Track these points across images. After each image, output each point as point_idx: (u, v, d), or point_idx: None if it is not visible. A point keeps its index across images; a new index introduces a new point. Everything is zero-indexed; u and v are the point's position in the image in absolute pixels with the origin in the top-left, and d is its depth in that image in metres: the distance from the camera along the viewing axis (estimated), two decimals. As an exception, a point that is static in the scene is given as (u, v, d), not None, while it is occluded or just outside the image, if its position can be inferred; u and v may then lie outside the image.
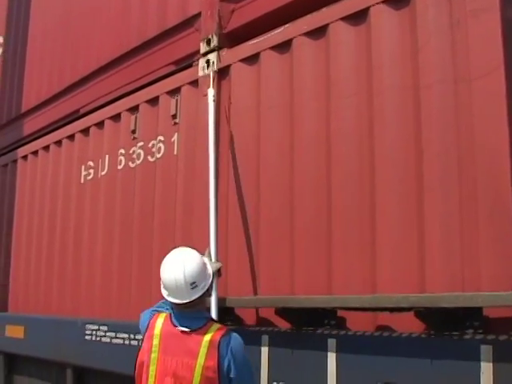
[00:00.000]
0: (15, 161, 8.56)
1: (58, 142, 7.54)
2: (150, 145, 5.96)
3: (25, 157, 8.31)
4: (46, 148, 7.79)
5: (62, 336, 6.51)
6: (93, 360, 6.04)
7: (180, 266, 3.46)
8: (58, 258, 7.13)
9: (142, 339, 3.59)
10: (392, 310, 3.64)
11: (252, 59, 5.02)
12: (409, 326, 3.59)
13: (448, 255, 3.57)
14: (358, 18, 4.29)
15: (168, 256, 3.62)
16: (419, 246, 3.72)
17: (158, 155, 5.84)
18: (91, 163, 6.82)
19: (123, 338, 5.59)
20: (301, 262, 4.37)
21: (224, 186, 5.06)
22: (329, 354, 3.85)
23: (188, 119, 5.55)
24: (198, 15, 5.68)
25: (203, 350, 3.35)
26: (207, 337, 3.39)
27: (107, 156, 6.56)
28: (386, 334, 3.65)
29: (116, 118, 6.53)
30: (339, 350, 3.81)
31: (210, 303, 4.40)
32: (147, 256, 5.71)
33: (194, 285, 3.44)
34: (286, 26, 4.76)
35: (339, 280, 4.11)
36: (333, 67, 4.39)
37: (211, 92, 5.14)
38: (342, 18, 4.36)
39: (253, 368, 3.70)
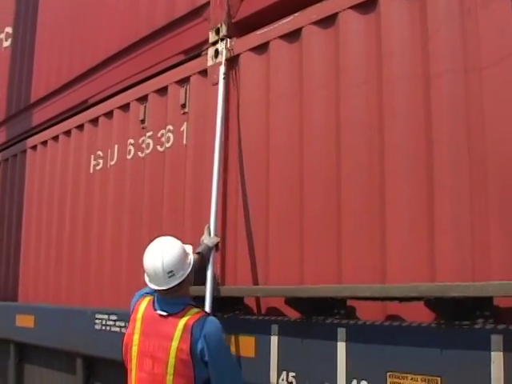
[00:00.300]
0: (24, 151, 8.57)
1: (67, 132, 7.55)
2: (159, 134, 5.96)
3: (34, 147, 8.33)
4: (55, 138, 7.80)
5: (72, 325, 6.54)
6: (102, 349, 6.06)
7: (159, 255, 3.74)
8: (68, 248, 7.15)
9: (129, 321, 3.85)
10: (402, 299, 3.64)
11: (261, 48, 5.01)
12: (418, 315, 3.58)
13: (458, 244, 3.56)
14: (368, 6, 4.26)
15: (150, 244, 3.90)
16: (429, 236, 3.71)
17: (167, 145, 5.84)
18: (100, 153, 6.83)
19: (133, 328, 5.60)
20: (310, 251, 4.37)
21: (233, 175, 5.06)
22: (338, 343, 3.84)
23: (197, 109, 5.55)
24: (207, 4, 5.66)
25: (178, 333, 3.59)
26: (182, 321, 3.64)
27: (116, 146, 6.56)
28: (395, 323, 3.64)
29: (125, 107, 6.53)
30: (349, 340, 3.80)
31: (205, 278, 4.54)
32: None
33: (171, 273, 3.70)
34: (296, 14, 4.74)
35: (349, 269, 4.11)
36: (342, 56, 4.37)
37: (222, 70, 5.17)
38: (352, 7, 4.34)
39: (232, 355, 3.98)
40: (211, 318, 3.80)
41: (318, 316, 4.05)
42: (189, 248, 4.04)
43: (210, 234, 4.66)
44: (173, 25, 6.16)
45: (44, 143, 8.07)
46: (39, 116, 8.62)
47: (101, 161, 6.80)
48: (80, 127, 7.31)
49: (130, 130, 6.41)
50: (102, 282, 6.44)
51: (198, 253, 4.48)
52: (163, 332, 3.64)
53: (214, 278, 4.71)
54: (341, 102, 4.32)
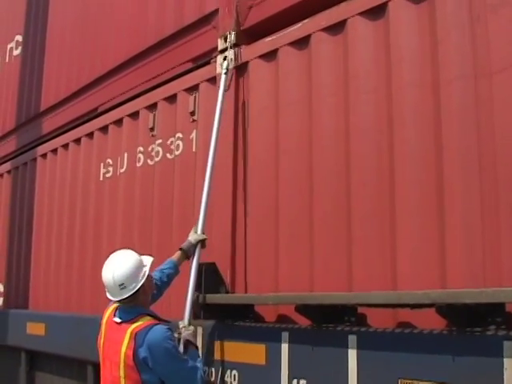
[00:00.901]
0: (35, 159, 8.61)
1: (77, 140, 7.58)
2: (168, 142, 5.97)
3: (44, 155, 8.36)
4: (65, 146, 7.83)
5: (83, 333, 6.53)
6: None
7: (111, 269, 3.96)
8: (78, 256, 7.17)
9: None
10: (413, 306, 3.62)
11: (270, 55, 5.01)
12: (430, 322, 3.56)
13: (469, 250, 3.55)
14: (377, 12, 4.26)
15: (108, 257, 4.10)
16: (440, 242, 3.70)
17: (177, 152, 5.85)
18: (110, 161, 6.84)
19: (143, 335, 5.60)
20: (320, 257, 4.36)
21: (242, 182, 5.06)
22: (349, 350, 3.82)
23: (206, 116, 5.54)
24: (216, 12, 5.68)
25: (126, 340, 3.80)
26: (131, 328, 3.84)
27: (126, 154, 6.58)
28: (406, 330, 3.62)
29: (134, 115, 6.54)
30: (360, 347, 3.79)
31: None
32: (166, 253, 5.71)
33: (122, 285, 3.89)
34: (304, 21, 4.74)
35: (359, 276, 4.10)
36: (351, 62, 4.37)
37: (225, 64, 5.24)
38: (361, 13, 4.34)
39: (185, 360, 3.97)
40: (158, 326, 3.92)
41: (328, 323, 4.04)
42: (148, 260, 4.14)
43: (196, 232, 4.79)
44: (181, 33, 6.18)
45: (54, 151, 8.11)
46: (49, 124, 8.66)
47: (110, 168, 6.82)
48: (90, 135, 7.33)
49: (139, 137, 6.42)
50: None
51: (180, 249, 4.68)
52: (117, 337, 3.89)
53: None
54: (350, 109, 4.32)
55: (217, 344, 4.77)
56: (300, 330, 4.22)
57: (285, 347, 4.25)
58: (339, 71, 4.44)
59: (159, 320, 4.05)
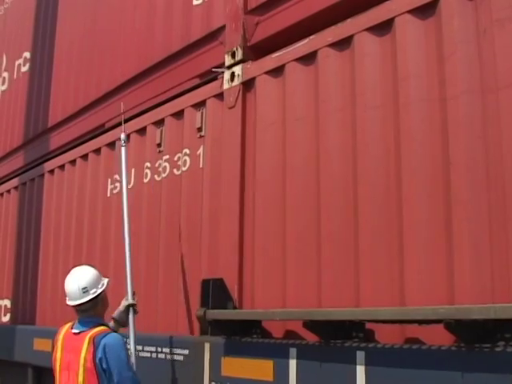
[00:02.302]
0: (42, 175, 8.64)
1: (85, 156, 7.60)
2: (175, 158, 5.98)
3: (51, 171, 8.38)
4: (73, 162, 7.85)
5: (90, 349, 6.52)
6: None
7: (75, 277, 4.49)
8: (85, 272, 7.15)
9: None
10: (421, 322, 3.61)
11: (277, 71, 5.02)
12: (438, 338, 3.54)
13: (477, 265, 3.53)
14: (383, 28, 4.28)
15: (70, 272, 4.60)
16: (448, 257, 3.69)
17: (184, 168, 5.86)
18: (117, 177, 6.85)
19: (150, 352, 5.59)
20: (328, 273, 4.35)
21: (250, 197, 5.06)
22: (357, 367, 3.81)
23: (213, 132, 5.56)
24: (223, 28, 5.70)
25: (85, 346, 4.17)
26: (89, 335, 4.23)
27: (133, 169, 6.59)
28: (415, 346, 3.60)
29: (142, 131, 6.56)
30: (368, 363, 3.77)
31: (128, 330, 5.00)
32: (173, 269, 5.72)
33: (85, 289, 4.37)
34: (311, 37, 4.76)
35: (367, 291, 4.08)
36: (358, 78, 4.38)
37: (123, 136, 5.52)
38: (367, 29, 4.35)
39: (132, 370, 4.36)
40: (115, 333, 4.39)
41: (336, 339, 4.02)
42: (105, 279, 4.61)
43: (127, 298, 5.14)
44: (188, 48, 6.20)
45: (61, 167, 8.13)
46: (56, 140, 8.69)
47: (118, 184, 6.82)
48: (97, 151, 7.35)
49: (146, 153, 6.43)
50: (119, 306, 6.42)
51: (113, 318, 4.97)
52: (75, 347, 4.24)
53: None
54: (357, 125, 4.32)
55: (224, 360, 4.76)
56: (308, 346, 4.21)
57: (293, 363, 4.24)
58: (346, 87, 4.45)
59: (115, 332, 4.51)
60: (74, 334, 4.34)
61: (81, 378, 4.14)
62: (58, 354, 4.41)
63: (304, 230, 4.57)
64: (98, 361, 4.13)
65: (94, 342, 4.17)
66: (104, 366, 4.14)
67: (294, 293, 4.57)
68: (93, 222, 7.19)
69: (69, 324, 4.50)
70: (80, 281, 4.41)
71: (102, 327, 4.34)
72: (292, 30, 5.03)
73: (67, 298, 4.48)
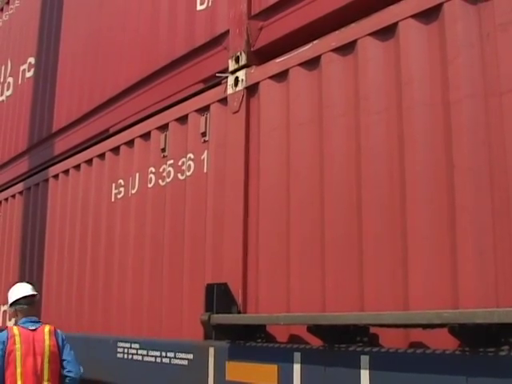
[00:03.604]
0: (46, 180, 8.64)
1: (89, 161, 7.61)
2: (179, 163, 5.99)
3: (56, 176, 8.39)
4: (77, 167, 7.86)
5: (94, 354, 6.53)
6: (125, 378, 6.05)
7: (22, 284, 5.95)
8: (89, 277, 7.17)
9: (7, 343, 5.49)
10: (425, 326, 3.61)
11: (281, 76, 5.03)
12: (442, 342, 3.54)
13: (481, 270, 3.53)
14: (387, 33, 4.28)
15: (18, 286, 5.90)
16: (452, 261, 3.68)
17: (188, 173, 5.87)
18: (121, 181, 6.86)
19: (155, 356, 5.60)
20: (332, 278, 4.35)
21: (254, 201, 5.07)
22: (362, 371, 3.81)
23: (217, 137, 5.57)
24: (226, 33, 5.72)
25: (47, 336, 5.48)
26: (46, 329, 5.54)
27: (137, 174, 6.60)
28: (419, 350, 3.60)
29: (146, 136, 6.57)
30: (372, 368, 3.77)
31: None
32: (178, 274, 5.73)
33: (33, 288, 5.80)
34: (315, 42, 4.77)
35: (371, 296, 4.08)
36: (362, 83, 4.38)
37: None
38: (371, 34, 4.36)
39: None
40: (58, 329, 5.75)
41: (340, 344, 4.02)
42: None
43: None
44: (192, 54, 6.22)
45: (66, 172, 8.13)
46: (61, 145, 8.71)
47: (122, 189, 6.84)
48: (101, 156, 7.36)
49: (150, 158, 6.45)
50: (123, 310, 6.44)
51: None
52: (38, 338, 5.45)
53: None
54: (361, 129, 4.32)
55: (228, 364, 4.77)
56: (312, 351, 4.21)
57: (297, 368, 4.24)
58: (350, 91, 4.46)
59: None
60: (31, 330, 5.48)
61: (47, 359, 5.41)
62: (18, 346, 5.37)
63: (308, 233, 4.57)
64: (61, 345, 5.56)
65: (55, 334, 5.57)
66: (62, 349, 5.57)
67: (298, 297, 4.57)
68: (97, 226, 7.19)
69: (16, 327, 5.53)
70: (27, 284, 5.88)
71: (48, 325, 5.66)
72: (295, 35, 5.04)
73: (22, 294, 5.66)
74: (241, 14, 5.54)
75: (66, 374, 5.55)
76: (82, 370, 5.78)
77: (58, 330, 5.73)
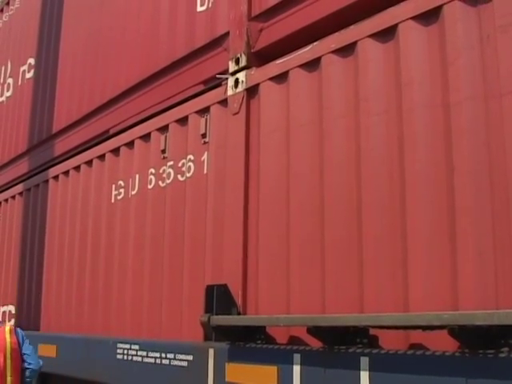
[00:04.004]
0: (46, 181, 8.65)
1: (89, 162, 7.61)
2: (179, 164, 6.00)
3: (56, 177, 8.40)
4: (77, 168, 7.87)
5: (94, 355, 6.54)
6: (124, 379, 6.05)
7: None
8: (89, 278, 7.18)
9: None
10: (425, 328, 3.61)
11: (281, 78, 5.03)
12: (442, 344, 3.55)
13: (481, 272, 3.53)
14: (387, 34, 4.28)
15: None
16: (452, 263, 3.68)
17: (188, 174, 5.87)
18: (122, 183, 6.87)
19: (154, 357, 5.59)
20: (332, 279, 4.35)
21: (254, 203, 5.07)
22: (361, 372, 3.81)
23: (218, 138, 5.57)
24: (227, 35, 5.72)
25: (8, 335, 6.06)
26: (7, 328, 6.17)
27: (137, 175, 6.60)
28: (419, 352, 3.60)
29: (146, 137, 6.58)
30: (372, 369, 3.77)
31: None
32: (178, 275, 5.73)
33: None
34: (315, 43, 4.77)
35: (371, 297, 4.08)
36: (362, 85, 4.38)
37: None
38: (371, 35, 4.36)
39: None
40: (18, 328, 6.43)
41: (340, 345, 4.03)
42: None
43: None
44: (192, 55, 6.23)
45: (66, 173, 8.14)
46: (61, 146, 8.72)
47: (122, 190, 6.84)
48: (101, 157, 7.36)
49: (150, 159, 6.45)
50: (123, 311, 6.44)
51: None
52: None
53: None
54: (361, 131, 4.32)
55: (228, 366, 4.77)
56: (312, 352, 4.21)
57: (297, 369, 4.24)
58: (350, 93, 4.46)
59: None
60: None
61: (8, 355, 5.96)
62: None
63: (308, 235, 4.57)
64: (21, 343, 6.13)
65: (15, 332, 6.16)
66: (23, 345, 6.18)
67: (298, 299, 4.57)
68: (97, 227, 7.20)
69: None
70: None
71: (7, 325, 6.43)
72: (296, 37, 5.05)
73: None
74: (241, 16, 5.55)
75: (27, 366, 6.20)
76: (41, 363, 6.46)
77: (18, 329, 6.39)
